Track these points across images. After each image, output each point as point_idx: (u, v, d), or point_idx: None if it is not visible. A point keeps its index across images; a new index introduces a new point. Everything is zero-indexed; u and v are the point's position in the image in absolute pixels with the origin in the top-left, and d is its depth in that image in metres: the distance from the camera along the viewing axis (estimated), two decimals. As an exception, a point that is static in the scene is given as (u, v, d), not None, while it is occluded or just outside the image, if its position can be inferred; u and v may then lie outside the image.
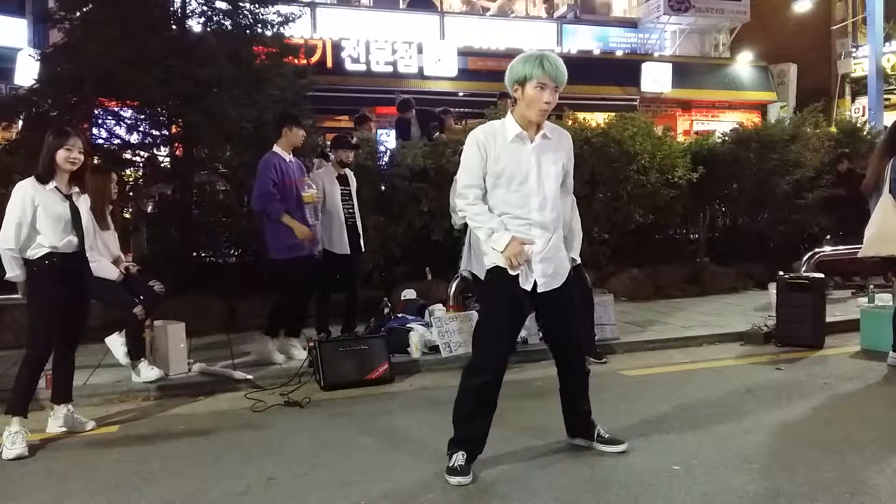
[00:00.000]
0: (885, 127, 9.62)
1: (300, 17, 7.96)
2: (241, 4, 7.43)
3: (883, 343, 5.42)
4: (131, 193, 7.40)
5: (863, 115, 13.88)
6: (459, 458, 3.30)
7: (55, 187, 3.96)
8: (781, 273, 6.29)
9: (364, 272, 6.78)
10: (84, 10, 7.24)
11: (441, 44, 14.96)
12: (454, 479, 3.24)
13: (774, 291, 6.26)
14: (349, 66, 13.88)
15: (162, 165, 7.77)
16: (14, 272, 3.93)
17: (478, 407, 3.36)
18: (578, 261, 5.67)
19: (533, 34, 16.49)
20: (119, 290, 4.95)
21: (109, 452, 3.86)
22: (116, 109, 7.49)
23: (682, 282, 8.67)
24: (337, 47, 13.81)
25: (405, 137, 8.57)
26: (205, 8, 7.42)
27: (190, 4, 7.41)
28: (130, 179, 7.54)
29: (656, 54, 16.94)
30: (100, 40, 6.66)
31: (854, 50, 18.37)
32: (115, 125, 7.51)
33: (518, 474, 3.36)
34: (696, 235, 9.61)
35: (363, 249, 6.25)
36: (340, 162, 6.10)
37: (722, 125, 14.57)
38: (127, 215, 6.99)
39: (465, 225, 5.50)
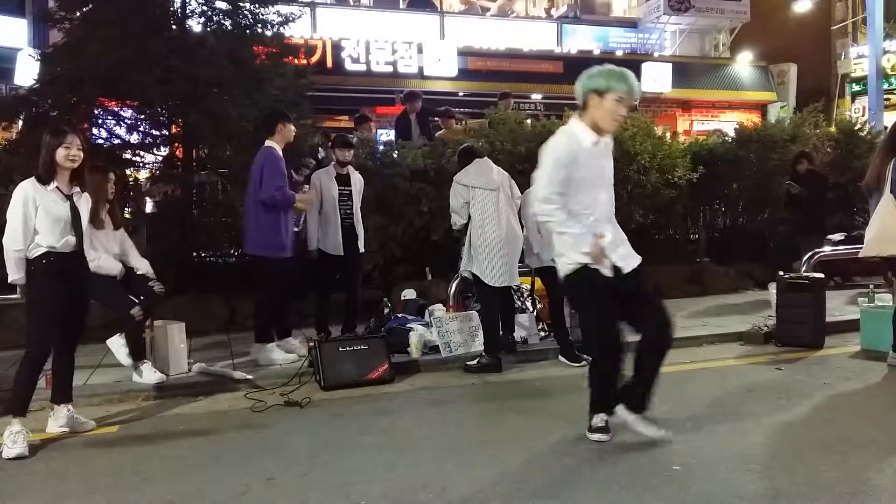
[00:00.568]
0: (886, 127, 9.63)
1: (300, 17, 7.96)
2: (241, 4, 7.42)
3: (883, 343, 5.41)
4: (131, 193, 7.39)
5: (863, 115, 13.88)
6: (601, 419, 3.67)
7: (56, 187, 3.96)
8: (781, 273, 6.28)
9: (363, 271, 6.77)
10: (84, 10, 7.24)
11: (441, 44, 14.96)
12: (599, 436, 3.65)
13: (774, 291, 6.25)
14: (349, 66, 13.88)
15: (163, 166, 7.76)
16: (18, 274, 3.95)
17: (615, 380, 3.67)
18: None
19: (533, 34, 16.51)
20: (117, 291, 4.95)
21: (109, 452, 3.86)
22: (116, 109, 7.49)
23: (682, 282, 8.66)
24: (337, 47, 13.82)
25: (405, 137, 8.56)
26: (205, 8, 7.42)
27: (190, 4, 7.41)
28: (131, 180, 7.53)
29: (656, 54, 16.95)
30: (100, 40, 6.66)
31: (854, 49, 18.37)
32: (115, 125, 7.50)
33: (518, 474, 3.36)
34: (696, 235, 9.60)
35: (361, 250, 6.19)
36: (339, 161, 6.11)
37: (722, 125, 14.56)
38: (127, 215, 6.98)
39: (465, 225, 5.54)
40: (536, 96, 15.12)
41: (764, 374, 5.19)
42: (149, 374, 4.98)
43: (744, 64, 17.41)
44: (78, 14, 7.27)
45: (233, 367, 5.37)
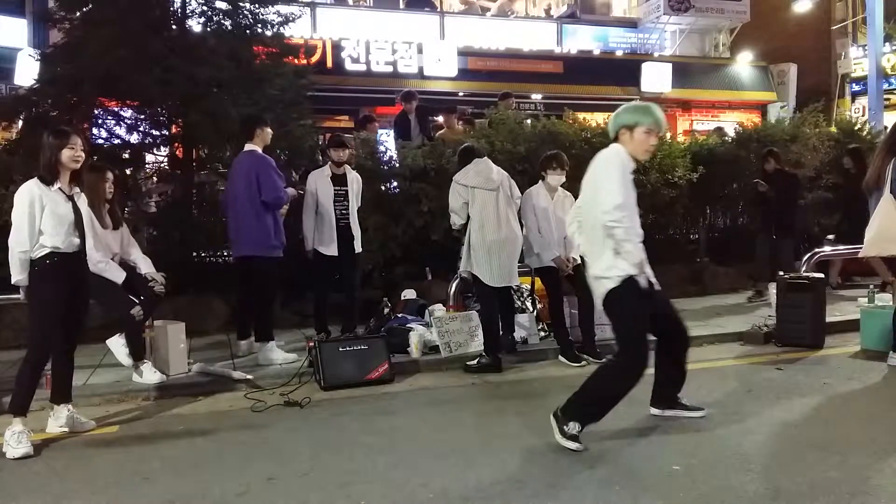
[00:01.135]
0: (886, 127, 9.63)
1: (300, 17, 7.97)
2: (241, 4, 7.43)
3: (883, 343, 5.42)
4: (129, 193, 7.40)
5: (863, 115, 13.88)
6: (576, 427, 3.66)
7: (59, 188, 3.97)
8: (781, 273, 6.28)
9: (362, 271, 6.77)
10: (84, 10, 7.25)
11: (441, 44, 14.95)
12: (572, 444, 3.60)
13: (774, 291, 6.25)
14: (349, 66, 13.88)
15: (163, 166, 7.77)
16: (22, 274, 3.94)
17: (622, 397, 3.75)
18: (579, 261, 5.67)
19: (533, 34, 16.51)
20: (117, 291, 4.94)
21: (109, 452, 3.86)
22: (116, 109, 7.49)
23: (682, 282, 8.66)
24: (337, 47, 13.81)
25: (405, 137, 8.56)
26: (205, 8, 7.42)
27: (190, 4, 7.42)
28: (131, 180, 7.53)
29: (656, 54, 16.94)
30: (100, 40, 6.67)
31: (854, 49, 18.36)
32: (115, 125, 7.51)
33: (518, 474, 3.36)
34: (696, 235, 9.60)
35: (357, 250, 6.15)
36: (336, 161, 6.09)
37: (722, 125, 14.56)
38: (127, 215, 6.98)
39: (464, 226, 5.54)
40: (536, 96, 15.12)
41: (764, 374, 5.19)
42: (149, 374, 4.98)
43: (744, 64, 17.41)
44: (78, 14, 7.28)
45: (233, 367, 5.36)
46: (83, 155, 4.03)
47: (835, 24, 19.55)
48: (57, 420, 4.18)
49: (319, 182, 5.98)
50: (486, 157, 5.68)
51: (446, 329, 5.72)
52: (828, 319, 6.14)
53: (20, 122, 7.40)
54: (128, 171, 7.46)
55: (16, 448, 3.77)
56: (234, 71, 7.06)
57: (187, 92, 6.81)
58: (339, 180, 6.05)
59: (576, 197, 5.93)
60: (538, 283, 6.16)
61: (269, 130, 5.74)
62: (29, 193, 3.91)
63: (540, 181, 5.79)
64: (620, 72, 15.91)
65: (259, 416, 4.47)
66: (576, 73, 15.44)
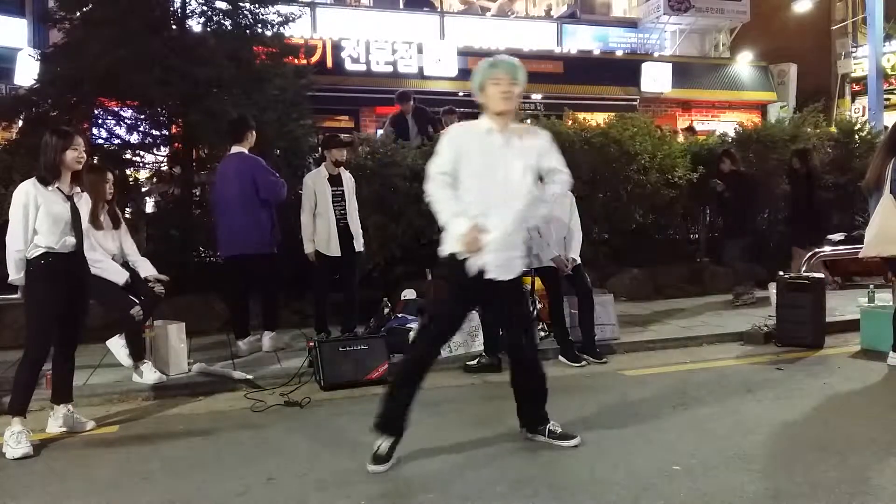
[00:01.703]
0: (886, 127, 9.62)
1: (300, 17, 7.97)
2: (241, 4, 7.43)
3: (883, 343, 5.42)
4: (129, 193, 7.40)
5: (863, 115, 13.87)
6: (385, 443, 3.48)
7: (57, 188, 3.98)
8: (781, 273, 6.28)
9: (362, 271, 6.77)
10: (84, 10, 7.24)
11: (441, 44, 14.95)
12: (375, 467, 3.41)
13: (774, 291, 6.25)
14: (349, 66, 13.87)
15: (163, 166, 7.77)
16: (18, 274, 3.96)
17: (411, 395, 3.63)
18: (578, 261, 5.68)
19: (533, 34, 16.50)
20: (117, 291, 4.94)
21: (109, 452, 3.86)
22: (116, 109, 7.49)
23: (682, 282, 8.67)
24: (337, 47, 13.81)
25: (403, 137, 8.56)
26: (205, 8, 7.42)
27: (190, 4, 7.41)
28: (131, 180, 7.53)
29: (656, 54, 16.94)
30: (100, 40, 6.67)
31: (854, 50, 18.36)
32: (115, 125, 7.51)
33: (518, 474, 3.36)
34: (696, 235, 9.60)
35: (357, 250, 6.16)
36: (336, 161, 6.09)
37: (722, 125, 14.57)
38: (127, 215, 6.98)
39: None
40: (536, 96, 15.10)
41: (764, 374, 5.19)
42: (149, 374, 4.98)
43: (744, 64, 17.40)
44: (78, 14, 7.28)
45: (233, 367, 5.37)
46: (85, 156, 4.05)
47: (835, 24, 19.55)
48: (56, 420, 4.17)
49: (318, 183, 5.98)
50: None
51: (446, 329, 5.72)
52: (828, 319, 6.14)
53: (20, 122, 7.39)
54: (128, 171, 7.46)
55: (15, 448, 3.77)
56: (234, 71, 7.06)
57: (187, 92, 6.81)
58: (335, 181, 6.06)
59: (576, 196, 5.99)
60: (538, 282, 6.16)
61: (254, 133, 5.94)
62: (25, 194, 3.91)
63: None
64: (620, 72, 15.92)
65: (259, 416, 4.47)
66: (576, 73, 15.44)
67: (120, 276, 4.95)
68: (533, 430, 3.75)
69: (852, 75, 18.50)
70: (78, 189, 4.10)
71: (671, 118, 16.62)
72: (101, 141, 7.44)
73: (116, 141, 7.50)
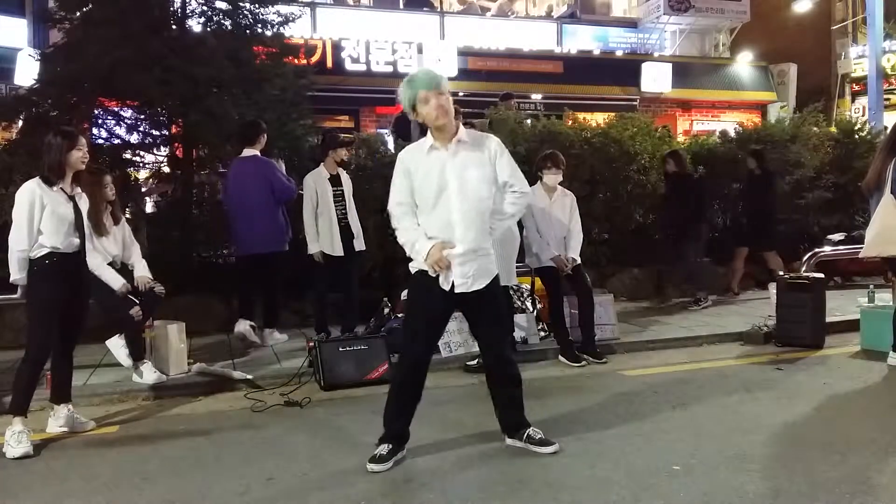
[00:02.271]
0: (886, 127, 9.63)
1: (300, 17, 7.96)
2: (241, 4, 7.42)
3: (883, 343, 5.42)
4: (131, 193, 7.39)
5: (863, 115, 13.87)
6: (384, 448, 3.51)
7: (60, 188, 3.99)
8: (781, 273, 6.28)
9: (362, 271, 6.77)
10: (84, 10, 7.24)
11: (441, 44, 14.95)
12: (373, 466, 3.42)
13: (774, 291, 6.25)
14: (349, 66, 13.87)
15: (163, 166, 7.76)
16: (20, 274, 3.96)
17: (401, 399, 3.68)
18: (578, 261, 5.68)
19: (533, 34, 16.51)
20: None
21: (109, 452, 3.86)
22: (116, 109, 7.49)
23: (683, 282, 8.66)
24: (337, 47, 13.81)
25: (405, 137, 8.55)
26: (205, 8, 7.42)
27: (190, 4, 7.41)
28: (131, 180, 7.53)
29: (656, 54, 16.94)
30: (100, 40, 6.66)
31: (854, 46, 18.36)
32: (115, 125, 7.51)
33: (518, 473, 3.36)
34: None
35: (357, 250, 6.17)
36: (338, 161, 6.09)
37: (722, 125, 14.56)
38: (127, 215, 6.98)
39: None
40: (536, 96, 15.10)
41: (764, 374, 5.19)
42: (149, 374, 4.98)
43: (744, 64, 17.40)
44: (78, 14, 7.27)
45: (233, 367, 5.37)
46: (88, 156, 4.08)
47: (835, 24, 19.54)
48: (57, 420, 4.17)
49: (319, 184, 5.98)
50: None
51: (446, 329, 5.71)
52: (828, 319, 6.14)
53: (20, 122, 7.39)
54: (128, 171, 7.45)
55: (15, 448, 3.78)
56: (234, 71, 7.05)
57: (187, 92, 6.80)
58: (335, 181, 6.07)
59: (576, 196, 5.99)
60: (538, 282, 6.16)
61: (266, 136, 6.13)
62: (30, 193, 3.92)
63: (538, 181, 5.79)
64: (620, 72, 15.92)
65: (259, 416, 4.47)
66: (576, 73, 15.44)
67: (116, 283, 4.94)
68: (511, 434, 3.70)
69: (852, 75, 18.50)
70: (78, 189, 4.12)
71: (671, 118, 16.62)
72: (101, 141, 7.43)
73: (116, 141, 7.49)
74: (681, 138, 10.87)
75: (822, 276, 6.26)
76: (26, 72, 8.82)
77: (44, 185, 3.95)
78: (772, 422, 4.01)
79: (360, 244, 6.17)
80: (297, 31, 9.03)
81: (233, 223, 6.17)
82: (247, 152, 6.01)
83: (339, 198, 6.06)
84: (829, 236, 8.48)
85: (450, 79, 15.02)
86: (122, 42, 6.59)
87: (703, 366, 5.46)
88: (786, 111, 14.39)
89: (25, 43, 11.30)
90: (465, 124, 3.85)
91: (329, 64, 13.61)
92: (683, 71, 16.60)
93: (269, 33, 7.58)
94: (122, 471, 3.57)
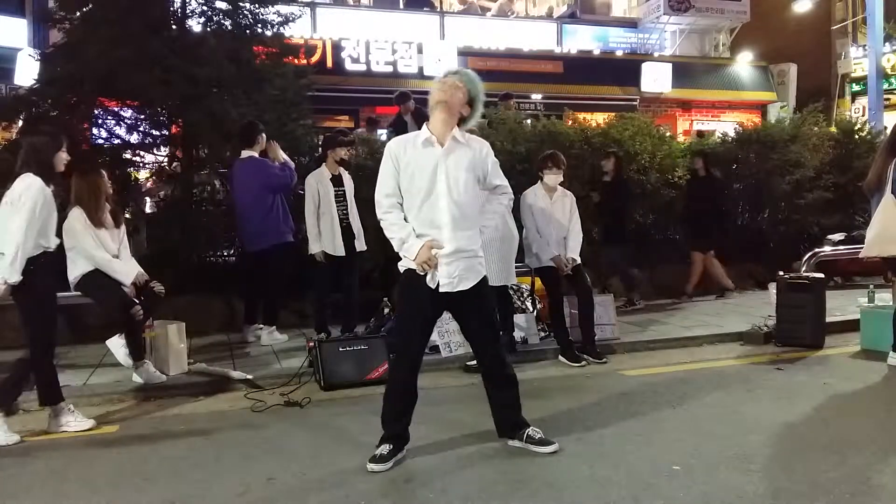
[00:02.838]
0: (886, 127, 9.62)
1: (300, 17, 7.97)
2: (241, 4, 7.43)
3: (883, 343, 5.42)
4: (131, 193, 7.39)
5: (863, 115, 13.87)
6: (384, 448, 3.50)
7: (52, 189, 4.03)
8: (781, 273, 6.28)
9: (362, 271, 6.77)
10: (84, 10, 7.24)
11: (441, 44, 14.96)
12: (373, 466, 3.42)
13: (774, 291, 6.25)
14: (349, 66, 13.89)
15: (163, 166, 7.77)
16: (19, 274, 3.90)
17: (396, 399, 3.70)
18: (578, 261, 5.68)
19: (533, 34, 16.51)
20: (116, 291, 4.93)
21: (109, 452, 3.86)
22: (116, 109, 7.49)
23: (683, 282, 8.65)
24: (337, 47, 13.82)
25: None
26: (205, 8, 7.42)
27: (190, 4, 7.41)
28: (131, 180, 7.53)
29: (656, 54, 16.95)
30: (100, 40, 6.66)
31: (854, 46, 18.37)
32: (115, 125, 7.50)
33: (518, 473, 3.36)
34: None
35: (358, 250, 6.18)
36: (340, 161, 6.09)
37: (722, 125, 14.57)
38: (127, 215, 6.97)
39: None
40: (536, 96, 15.13)
41: (764, 374, 5.19)
42: (149, 374, 4.98)
43: (744, 64, 17.41)
44: (78, 14, 7.27)
45: (233, 367, 5.37)
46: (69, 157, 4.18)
47: (835, 24, 19.56)
48: (56, 419, 4.17)
49: (322, 184, 5.99)
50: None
51: (446, 329, 5.72)
52: (828, 319, 6.14)
53: (20, 122, 7.39)
54: (128, 171, 7.46)
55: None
56: (234, 71, 7.06)
57: (187, 92, 6.80)
58: (337, 181, 6.08)
59: (576, 196, 5.99)
60: (538, 283, 6.16)
61: (264, 137, 6.19)
62: (40, 191, 3.91)
63: (538, 181, 5.79)
64: (620, 72, 15.93)
65: (259, 416, 4.47)
66: (576, 73, 15.45)
67: (127, 277, 4.94)
68: (511, 435, 3.68)
69: (852, 75, 18.50)
70: (52, 187, 4.16)
71: (671, 118, 16.63)
72: (101, 141, 7.43)
73: (116, 141, 7.49)
74: (681, 138, 10.86)
75: (822, 276, 6.26)
76: (26, 72, 8.82)
77: (45, 186, 3.96)
78: (772, 422, 4.01)
79: (361, 244, 6.17)
80: (297, 31, 9.04)
81: (239, 222, 6.39)
82: (245, 153, 6.11)
83: (340, 198, 6.06)
84: (829, 236, 8.47)
85: (450, 79, 15.03)
86: (122, 42, 6.59)
87: (702, 366, 5.46)
88: (786, 111, 14.39)
89: (25, 43, 11.31)
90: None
91: (329, 64, 13.62)
92: (683, 71, 16.61)
93: (269, 33, 7.59)
94: (122, 471, 3.57)
